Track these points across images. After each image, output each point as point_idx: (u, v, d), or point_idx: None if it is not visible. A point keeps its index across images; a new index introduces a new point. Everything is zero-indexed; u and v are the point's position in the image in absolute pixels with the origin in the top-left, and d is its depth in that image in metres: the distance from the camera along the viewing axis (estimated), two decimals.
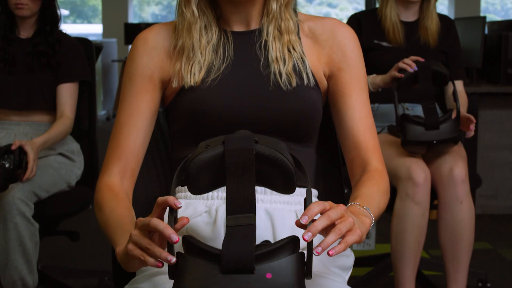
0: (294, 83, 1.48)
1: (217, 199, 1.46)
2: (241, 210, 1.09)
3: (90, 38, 3.18)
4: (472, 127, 2.64)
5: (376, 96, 2.91)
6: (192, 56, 1.50)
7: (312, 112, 1.52)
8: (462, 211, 2.64)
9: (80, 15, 16.72)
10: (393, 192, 2.67)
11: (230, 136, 1.13)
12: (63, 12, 15.23)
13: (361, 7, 11.73)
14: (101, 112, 9.39)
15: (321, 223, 1.08)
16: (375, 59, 2.93)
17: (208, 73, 1.49)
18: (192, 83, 1.47)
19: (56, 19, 2.84)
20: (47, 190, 2.61)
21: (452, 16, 8.54)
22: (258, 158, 1.12)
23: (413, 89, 2.70)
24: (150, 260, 1.09)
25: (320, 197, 1.64)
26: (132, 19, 10.91)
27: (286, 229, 1.40)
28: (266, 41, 1.52)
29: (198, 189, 1.18)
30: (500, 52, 4.18)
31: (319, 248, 1.06)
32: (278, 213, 1.44)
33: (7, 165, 2.45)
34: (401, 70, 2.65)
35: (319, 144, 1.66)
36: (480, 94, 4.13)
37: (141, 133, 1.52)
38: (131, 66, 1.56)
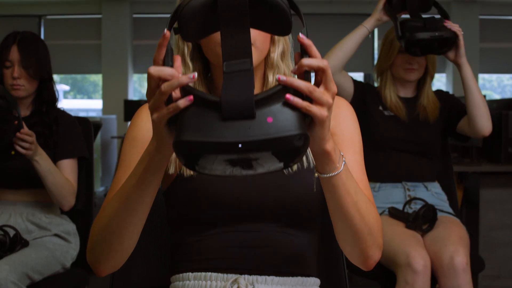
0: (295, 167, 1.46)
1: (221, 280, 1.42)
2: (236, 56, 1.05)
3: (90, 113, 3.20)
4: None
5: (377, 175, 2.92)
6: None
7: (312, 196, 1.49)
8: None
9: (81, 91, 16.86)
10: (392, 278, 2.64)
11: None
12: (64, 87, 15.37)
13: None
14: (99, 188, 9.35)
15: (301, 84, 1.05)
16: (376, 125, 2.98)
17: None
18: (191, 172, 1.45)
19: (53, 99, 2.83)
20: (41, 272, 2.54)
21: None
22: (251, 1, 1.06)
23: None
24: (179, 104, 1.04)
25: (322, 285, 1.59)
26: (132, 95, 10.99)
27: None
28: None
29: (191, 36, 1.14)
30: (500, 130, 4.18)
31: (284, 77, 1.03)
32: None
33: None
34: None
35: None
36: (481, 173, 4.11)
37: None
38: (133, 130, 1.55)
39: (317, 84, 1.11)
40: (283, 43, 1.54)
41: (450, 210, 2.95)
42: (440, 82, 11.19)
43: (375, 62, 3.20)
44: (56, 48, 10.40)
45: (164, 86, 1.05)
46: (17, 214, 2.71)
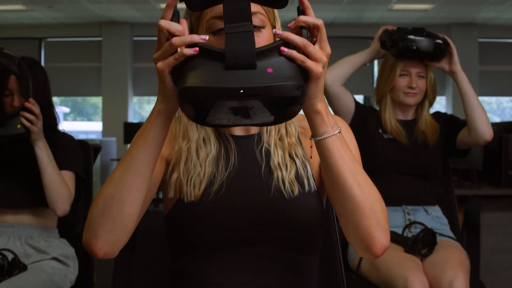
0: (296, 192, 1.45)
1: None
2: (237, 20, 1.14)
3: (90, 136, 3.19)
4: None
5: None
6: (192, 168, 1.48)
7: (313, 220, 1.49)
8: None
9: (81, 113, 16.88)
10: None
11: None
12: (64, 109, 15.38)
13: None
14: None
15: (295, 38, 1.15)
16: (376, 148, 2.98)
17: (209, 185, 1.46)
18: (192, 198, 1.44)
19: (53, 124, 2.82)
20: None
21: None
22: None
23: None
24: (184, 51, 1.13)
25: None
26: (132, 118, 11.00)
27: None
28: (267, 148, 1.51)
29: (195, 5, 1.25)
30: (500, 154, 4.17)
31: (280, 31, 1.15)
32: None
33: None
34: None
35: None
36: (482, 196, 4.10)
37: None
38: None
39: (313, 44, 1.20)
40: None
41: (451, 234, 2.94)
42: (440, 104, 11.22)
43: (375, 85, 3.22)
44: (56, 71, 10.43)
45: (175, 39, 1.14)
46: (16, 237, 2.69)
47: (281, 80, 1.10)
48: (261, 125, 1.17)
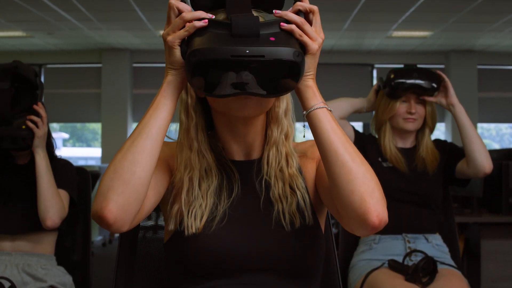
0: (297, 224, 1.46)
1: None
2: (240, 11, 1.26)
3: (89, 162, 3.19)
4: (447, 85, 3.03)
5: None
6: (193, 199, 1.47)
7: (313, 250, 1.49)
8: None
9: (80, 139, 16.91)
10: None
11: None
12: (63, 135, 15.40)
13: None
14: (97, 238, 9.28)
15: (294, 16, 1.29)
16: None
17: (211, 216, 1.46)
18: (193, 230, 1.44)
19: (51, 152, 2.81)
20: None
21: None
22: None
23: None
24: (195, 23, 1.26)
25: None
26: None
27: None
28: (267, 180, 1.50)
29: (200, 5, 1.36)
30: (500, 181, 4.16)
31: (279, 11, 1.30)
32: None
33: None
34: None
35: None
36: (482, 224, 4.08)
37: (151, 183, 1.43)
38: None
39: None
40: (286, 101, 1.56)
41: (451, 262, 2.92)
42: (439, 131, 11.23)
43: (373, 113, 3.23)
44: (56, 97, 10.46)
45: (186, 14, 1.28)
46: (13, 265, 2.68)
47: (284, 45, 1.21)
48: (256, 94, 1.25)
